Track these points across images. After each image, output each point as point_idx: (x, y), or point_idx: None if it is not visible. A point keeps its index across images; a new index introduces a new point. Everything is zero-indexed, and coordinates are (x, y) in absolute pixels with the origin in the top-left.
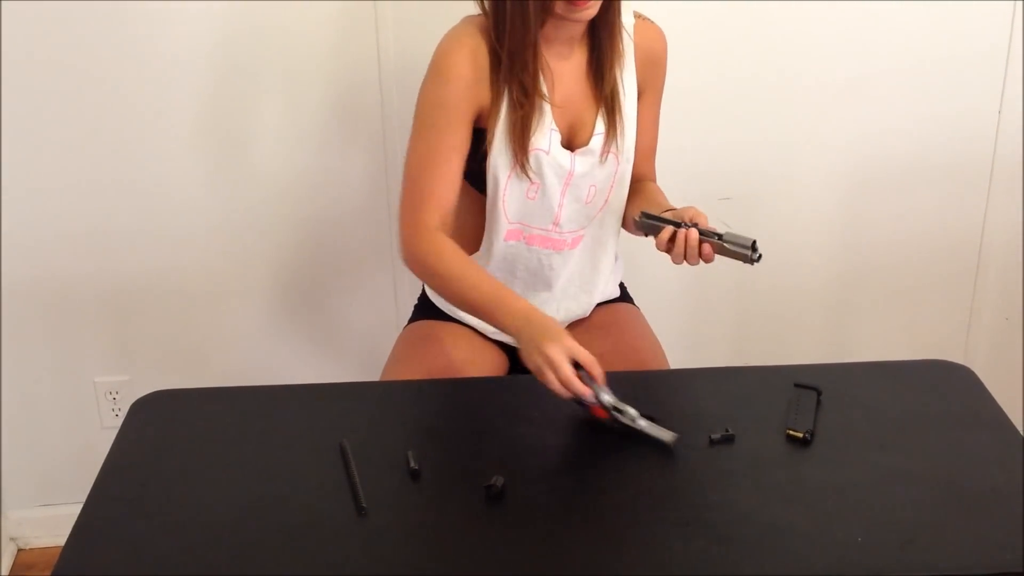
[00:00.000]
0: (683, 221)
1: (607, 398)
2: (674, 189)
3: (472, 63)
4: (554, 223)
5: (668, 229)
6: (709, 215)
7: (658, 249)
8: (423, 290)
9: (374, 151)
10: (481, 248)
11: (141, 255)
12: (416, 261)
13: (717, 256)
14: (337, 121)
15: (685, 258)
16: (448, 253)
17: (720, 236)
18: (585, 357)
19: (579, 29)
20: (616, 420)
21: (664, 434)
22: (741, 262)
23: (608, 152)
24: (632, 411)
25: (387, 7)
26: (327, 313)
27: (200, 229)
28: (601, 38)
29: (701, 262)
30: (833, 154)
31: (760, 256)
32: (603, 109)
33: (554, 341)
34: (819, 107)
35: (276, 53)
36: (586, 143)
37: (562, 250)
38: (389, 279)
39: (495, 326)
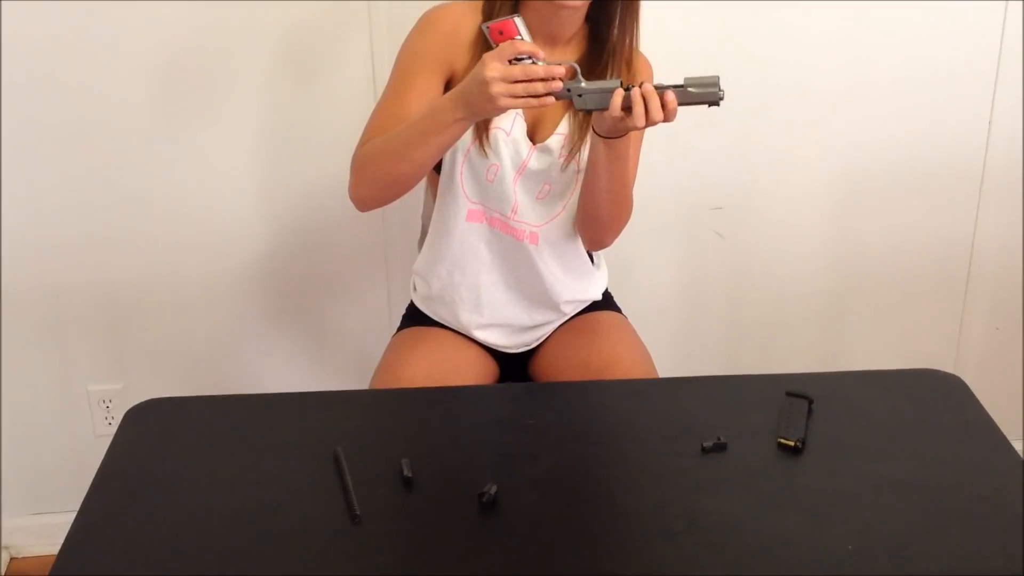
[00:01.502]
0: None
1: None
2: (666, 198)
3: (453, 25)
4: (512, 210)
5: (619, 92)
6: (702, 224)
7: (613, 117)
8: (411, 299)
9: None
10: (436, 229)
11: (134, 263)
12: (355, 176)
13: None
14: (330, 126)
15: (647, 117)
16: (368, 143)
17: (681, 85)
18: (521, 46)
19: (564, 26)
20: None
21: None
22: (707, 106)
23: (570, 158)
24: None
25: (381, 7)
26: (320, 321)
27: (193, 237)
28: (603, 54)
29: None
30: (825, 164)
31: (724, 94)
32: (571, 114)
33: (482, 64)
34: (811, 117)
35: (268, 57)
36: (546, 140)
37: (522, 240)
38: (382, 287)
39: (444, 129)
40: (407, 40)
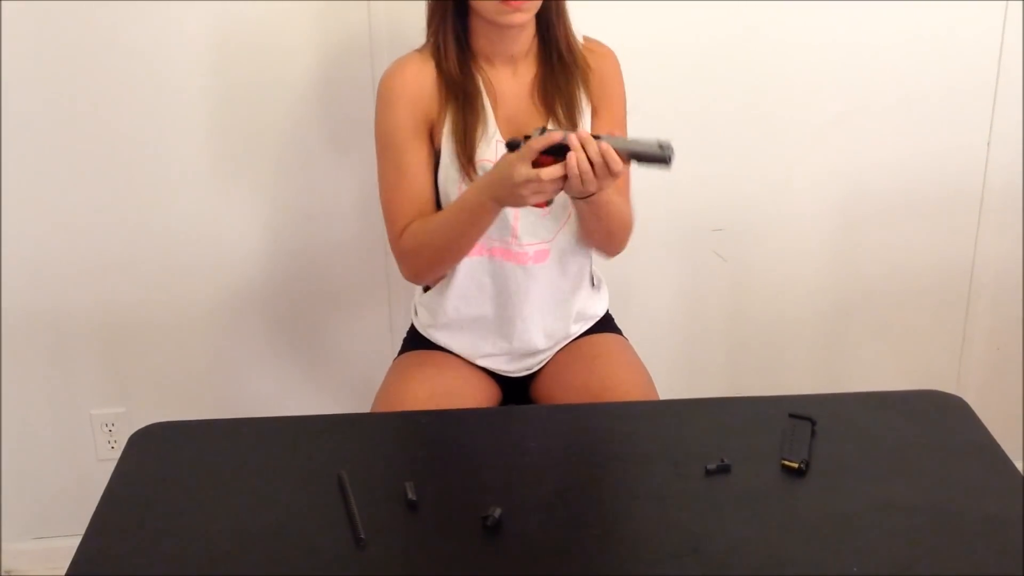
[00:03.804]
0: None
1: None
2: (667, 220)
3: (415, 81)
4: (512, 236)
5: (571, 156)
6: (703, 246)
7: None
8: (412, 323)
9: (369, 182)
10: None
11: (137, 287)
12: (407, 265)
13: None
14: (332, 149)
15: (593, 168)
16: (416, 225)
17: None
18: (539, 142)
19: (515, 43)
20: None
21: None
22: (656, 166)
23: None
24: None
25: (380, 7)
26: (323, 344)
27: (195, 261)
28: (553, 53)
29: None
30: (825, 185)
31: (673, 153)
32: (552, 123)
33: (511, 169)
34: (811, 139)
35: (271, 83)
36: None
37: (526, 264)
38: (384, 309)
39: (480, 219)
40: (379, 117)
